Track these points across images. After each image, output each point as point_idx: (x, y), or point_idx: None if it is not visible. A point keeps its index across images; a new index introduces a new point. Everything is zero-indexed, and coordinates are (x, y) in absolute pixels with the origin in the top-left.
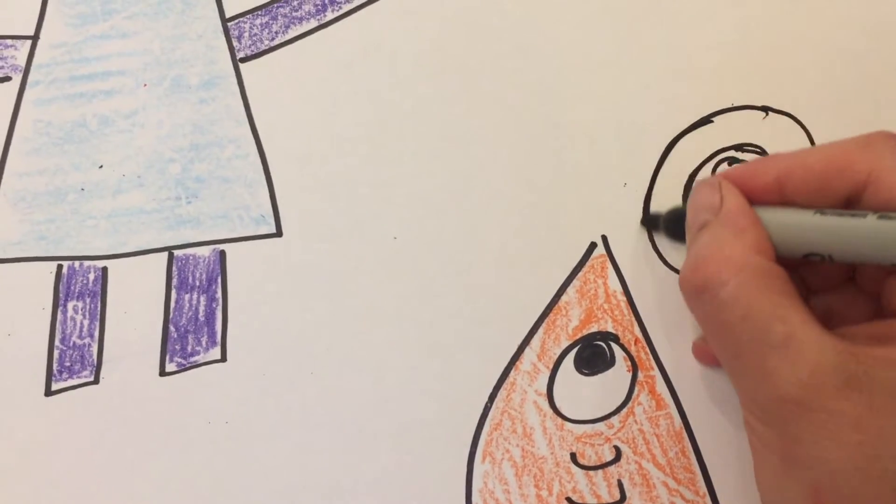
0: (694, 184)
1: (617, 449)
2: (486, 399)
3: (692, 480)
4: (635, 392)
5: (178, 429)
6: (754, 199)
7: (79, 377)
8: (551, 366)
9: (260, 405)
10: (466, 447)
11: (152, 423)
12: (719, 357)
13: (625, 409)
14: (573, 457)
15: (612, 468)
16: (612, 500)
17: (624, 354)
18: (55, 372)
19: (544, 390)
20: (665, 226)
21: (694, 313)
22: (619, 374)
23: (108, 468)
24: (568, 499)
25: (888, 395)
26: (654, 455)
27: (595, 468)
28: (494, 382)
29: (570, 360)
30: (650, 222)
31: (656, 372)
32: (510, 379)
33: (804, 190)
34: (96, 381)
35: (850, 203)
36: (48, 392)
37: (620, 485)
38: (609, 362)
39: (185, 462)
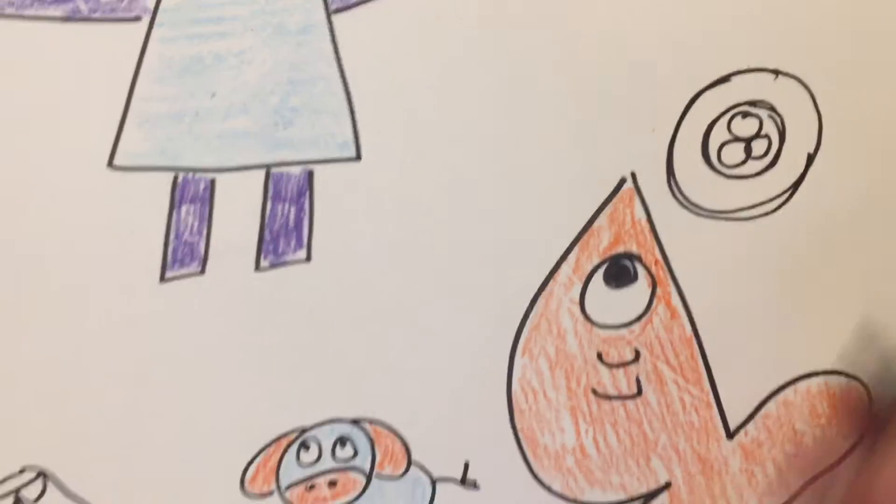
0: None
1: (636, 351)
2: (527, 304)
3: (698, 380)
4: (653, 304)
5: (268, 314)
6: None
7: (188, 268)
8: (584, 279)
9: (338, 300)
10: (509, 343)
11: (247, 308)
12: None
13: (644, 318)
14: (599, 356)
15: (631, 367)
16: (630, 393)
17: (645, 272)
18: (169, 263)
19: (577, 299)
20: None
21: None
22: (640, 288)
23: (209, 346)
24: (593, 390)
25: None
26: (667, 357)
27: (617, 366)
28: (535, 290)
29: (599, 274)
30: None
31: (672, 288)
32: (549, 288)
33: None
34: (202, 272)
35: None
36: (162, 279)
37: (638, 381)
38: (633, 278)
39: (271, 342)
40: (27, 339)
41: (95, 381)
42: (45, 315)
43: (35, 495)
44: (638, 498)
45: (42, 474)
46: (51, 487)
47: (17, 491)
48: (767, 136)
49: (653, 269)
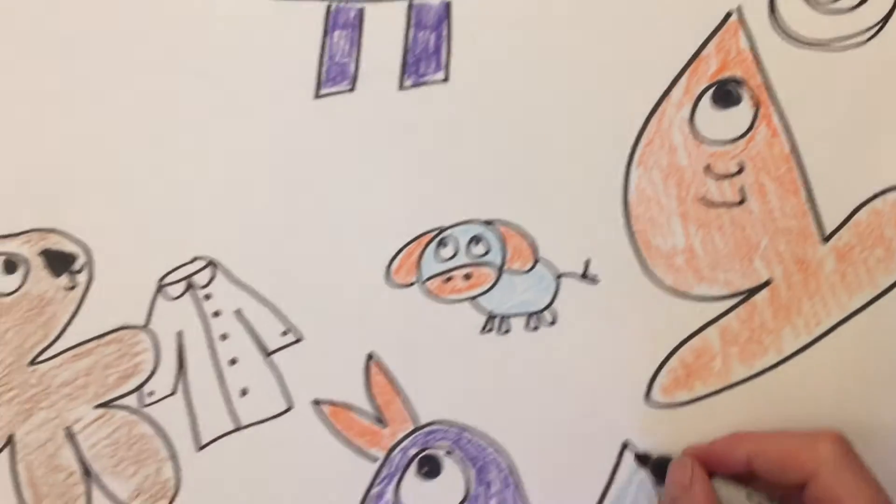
0: (672, 463)
1: (740, 164)
2: (642, 122)
3: (796, 191)
4: (756, 123)
5: (410, 127)
6: (724, 470)
7: (340, 86)
8: (694, 100)
9: (472, 115)
10: (626, 156)
11: (392, 121)
12: None
13: (748, 135)
14: (707, 167)
15: (735, 178)
16: (734, 201)
17: (749, 95)
18: (323, 81)
19: (688, 117)
20: (652, 467)
21: None
22: (744, 110)
23: (358, 154)
24: (701, 198)
25: None
26: (768, 170)
27: (723, 177)
28: (650, 110)
29: (707, 96)
30: (642, 460)
31: (773, 109)
32: (662, 108)
33: (767, 471)
34: (352, 90)
35: (803, 486)
36: (317, 96)
37: (742, 190)
38: (737, 100)
39: (413, 152)
40: (197, 143)
41: (258, 182)
42: (214, 124)
43: (204, 282)
44: (742, 293)
45: (211, 263)
46: (218, 275)
47: (188, 277)
48: None
49: (756, 93)
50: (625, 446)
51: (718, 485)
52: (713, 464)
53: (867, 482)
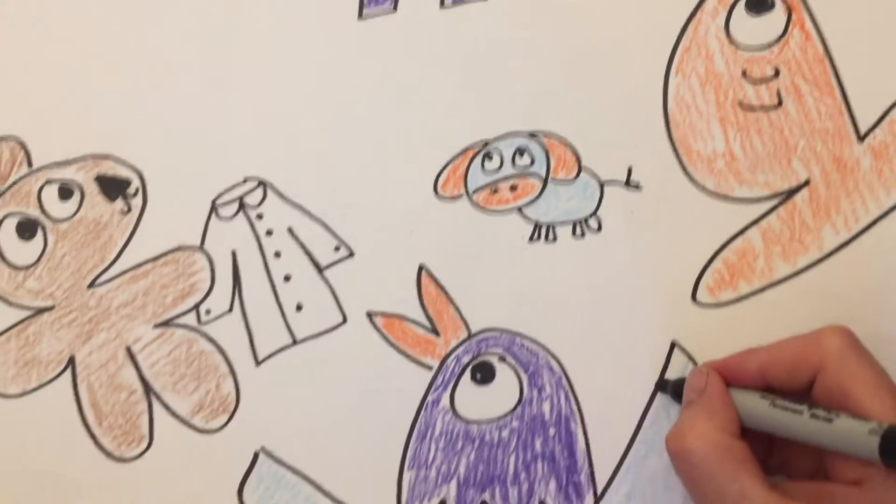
0: (690, 372)
1: (776, 68)
2: (678, 31)
3: (831, 92)
4: (790, 28)
5: (452, 44)
6: (740, 383)
7: (382, 7)
8: (728, 7)
9: (512, 31)
10: (664, 64)
11: (434, 39)
12: (695, 501)
13: (782, 40)
14: (744, 73)
15: (772, 82)
16: (772, 104)
17: (782, 1)
18: (366, 2)
19: (723, 25)
20: (671, 390)
21: (674, 468)
22: (777, 15)
23: (402, 73)
24: (739, 102)
25: None
26: (803, 73)
27: (760, 81)
28: (685, 19)
29: (741, 4)
30: (661, 386)
31: (806, 14)
32: (697, 17)
33: (778, 378)
34: (395, 10)
35: (813, 384)
36: (360, 17)
37: (778, 93)
38: (770, 6)
39: (455, 68)
40: (244, 67)
41: (305, 103)
42: (260, 47)
43: (256, 201)
44: (781, 194)
45: (262, 183)
46: (270, 194)
47: (241, 198)
48: None
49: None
50: (673, 346)
51: (733, 391)
52: (728, 378)
53: (872, 370)
